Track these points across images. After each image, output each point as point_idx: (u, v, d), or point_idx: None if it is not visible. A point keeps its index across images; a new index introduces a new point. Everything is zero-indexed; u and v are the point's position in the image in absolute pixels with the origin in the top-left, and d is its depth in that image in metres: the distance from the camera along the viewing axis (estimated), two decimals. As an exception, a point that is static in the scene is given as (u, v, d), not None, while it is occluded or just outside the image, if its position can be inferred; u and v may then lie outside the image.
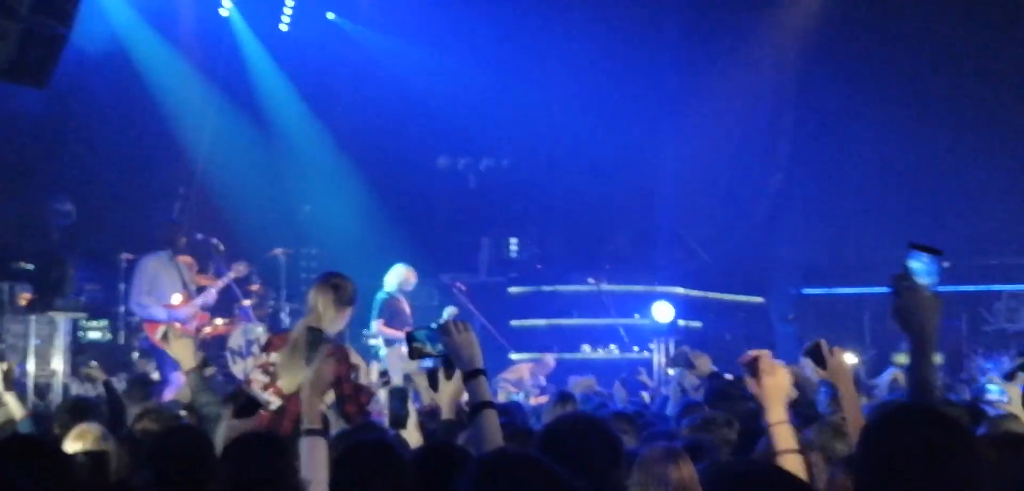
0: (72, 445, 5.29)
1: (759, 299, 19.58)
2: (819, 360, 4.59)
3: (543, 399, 12.41)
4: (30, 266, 13.91)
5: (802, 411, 7.05)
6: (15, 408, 7.11)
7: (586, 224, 19.50)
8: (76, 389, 12.05)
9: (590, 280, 17.44)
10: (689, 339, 15.72)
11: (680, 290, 18.07)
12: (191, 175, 16.77)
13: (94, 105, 15.88)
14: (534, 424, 7.19)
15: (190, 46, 17.60)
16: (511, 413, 7.54)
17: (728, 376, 9.23)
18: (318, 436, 4.74)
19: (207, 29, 18.03)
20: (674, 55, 19.16)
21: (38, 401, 11.92)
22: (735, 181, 20.11)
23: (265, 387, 6.83)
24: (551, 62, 18.77)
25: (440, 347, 4.35)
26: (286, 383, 6.75)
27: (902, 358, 11.55)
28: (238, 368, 13.20)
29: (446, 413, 6.03)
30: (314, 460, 4.50)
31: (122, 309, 14.24)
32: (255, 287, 14.97)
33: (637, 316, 17.28)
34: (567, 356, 16.25)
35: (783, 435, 4.00)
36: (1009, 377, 6.51)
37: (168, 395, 10.52)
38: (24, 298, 13.31)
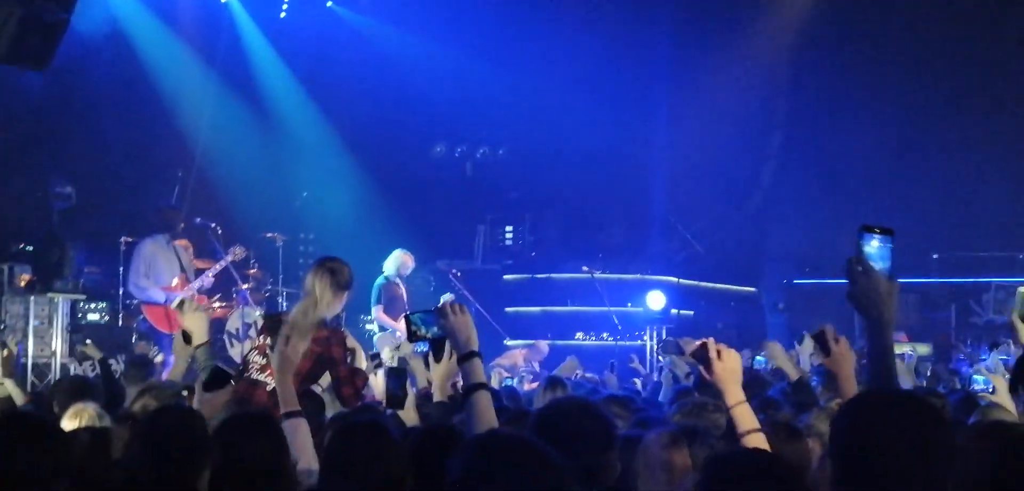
0: (69, 423, 5.29)
1: (750, 289, 19.64)
2: (824, 346, 4.62)
3: (536, 385, 12.43)
4: (30, 248, 13.92)
5: (800, 399, 7.09)
6: (15, 394, 7.13)
7: (580, 213, 19.53)
8: (74, 370, 12.05)
9: (584, 268, 17.43)
10: (681, 327, 15.78)
11: (672, 279, 18.11)
12: (190, 160, 16.77)
13: (94, 89, 15.88)
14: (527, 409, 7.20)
15: (189, 31, 17.61)
16: (506, 397, 7.57)
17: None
18: (297, 418, 4.76)
19: (206, 14, 18.04)
20: (668, 46, 19.15)
21: (37, 382, 11.93)
22: (728, 172, 20.15)
23: (262, 369, 6.86)
24: (547, 52, 18.76)
25: (435, 330, 4.36)
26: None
27: (899, 347, 11.60)
28: (235, 351, 13.20)
29: (437, 395, 6.05)
30: (297, 442, 4.52)
31: (121, 292, 14.25)
32: (253, 271, 14.97)
33: (630, 305, 17.30)
34: (561, 343, 16.24)
35: (744, 416, 4.09)
36: (1013, 389, 6.46)
37: (166, 375, 10.52)
38: (23, 279, 13.31)
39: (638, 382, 11.62)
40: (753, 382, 8.70)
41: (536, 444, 2.75)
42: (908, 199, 17.79)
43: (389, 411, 6.03)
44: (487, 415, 3.90)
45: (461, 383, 4.51)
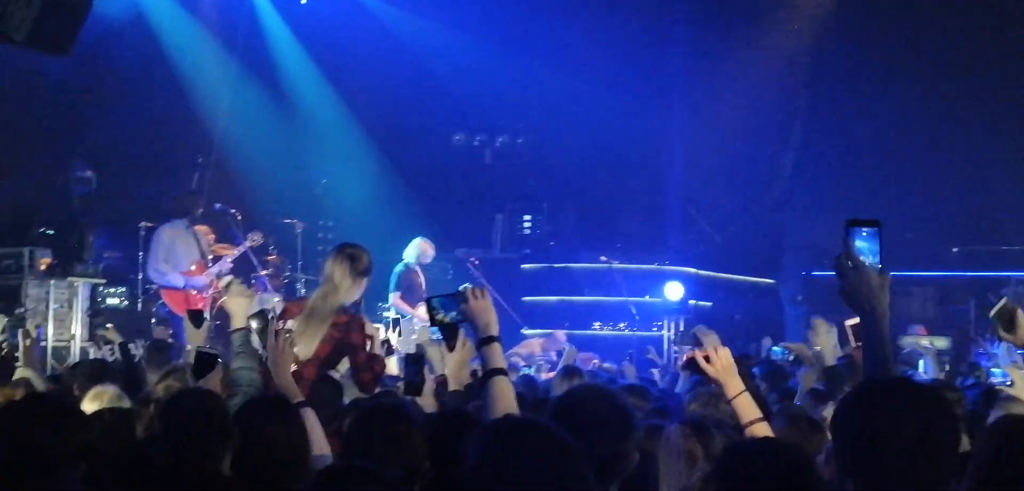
0: (89, 405, 5.32)
1: (769, 280, 19.60)
2: (858, 335, 4.68)
3: (553, 374, 12.45)
4: (50, 232, 13.97)
5: (832, 386, 7.08)
6: (36, 382, 7.16)
7: (599, 202, 19.51)
8: (94, 354, 12.09)
9: (602, 258, 17.43)
10: (699, 318, 15.73)
11: (691, 270, 18.09)
12: (209, 146, 16.80)
13: (115, 74, 15.91)
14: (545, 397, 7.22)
15: (210, 17, 17.64)
16: (523, 386, 7.58)
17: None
18: (303, 408, 4.78)
19: (227, 0, 18.06)
20: (688, 35, 19.15)
21: (56, 365, 11.98)
22: (747, 162, 20.09)
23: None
24: (567, 41, 18.77)
25: (454, 315, 4.37)
26: (301, 349, 6.80)
27: (917, 340, 11.55)
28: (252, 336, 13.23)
29: (453, 384, 6.06)
30: (309, 428, 4.55)
31: (140, 277, 14.30)
32: (272, 257, 15.02)
33: (648, 295, 17.29)
34: (578, 332, 16.25)
35: (745, 407, 4.21)
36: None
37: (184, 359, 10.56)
38: (44, 263, 13.37)
39: (656, 372, 11.61)
40: (774, 373, 8.71)
41: (553, 430, 2.75)
42: (928, 192, 17.75)
43: (408, 397, 6.06)
44: (505, 400, 3.91)
45: (479, 370, 4.54)
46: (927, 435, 2.55)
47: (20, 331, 8.39)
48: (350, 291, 7.16)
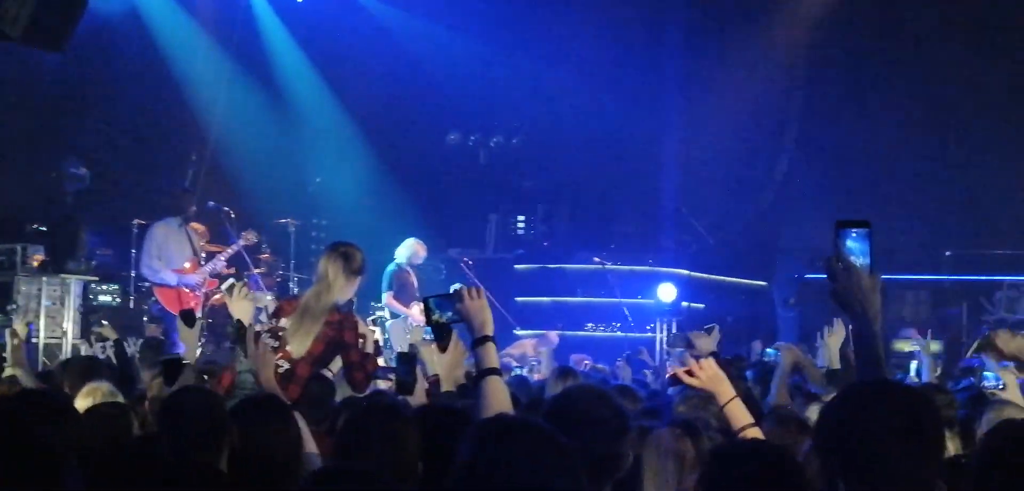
0: (82, 402, 5.33)
1: (761, 283, 19.63)
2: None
3: (545, 374, 12.45)
4: (43, 228, 13.97)
5: (809, 392, 7.10)
6: (25, 380, 7.15)
7: (592, 204, 19.54)
8: (85, 351, 12.09)
9: (595, 259, 17.45)
10: (692, 320, 15.77)
11: (684, 271, 18.10)
12: (204, 144, 16.80)
13: (110, 71, 15.93)
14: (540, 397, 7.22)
15: (205, 14, 17.63)
16: (516, 387, 7.58)
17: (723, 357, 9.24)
18: (294, 410, 4.81)
19: (226, -1, 18.10)
20: (682, 38, 19.18)
21: (48, 362, 11.97)
22: (740, 165, 20.12)
23: (274, 352, 6.89)
24: (562, 42, 18.77)
25: (450, 314, 4.38)
26: (295, 348, 6.83)
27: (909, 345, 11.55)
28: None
29: (445, 385, 6.06)
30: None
31: (133, 274, 14.30)
32: (265, 256, 15.03)
33: (640, 297, 17.31)
34: (571, 333, 16.28)
35: (736, 413, 4.23)
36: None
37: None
38: (37, 260, 13.37)
39: (648, 373, 11.62)
40: (766, 375, 8.70)
41: (546, 429, 2.76)
42: (922, 196, 17.79)
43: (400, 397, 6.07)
44: (499, 399, 3.92)
45: (472, 370, 4.55)
46: (912, 437, 2.57)
47: (8, 331, 8.38)
48: (343, 290, 7.19)
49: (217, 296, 13.45)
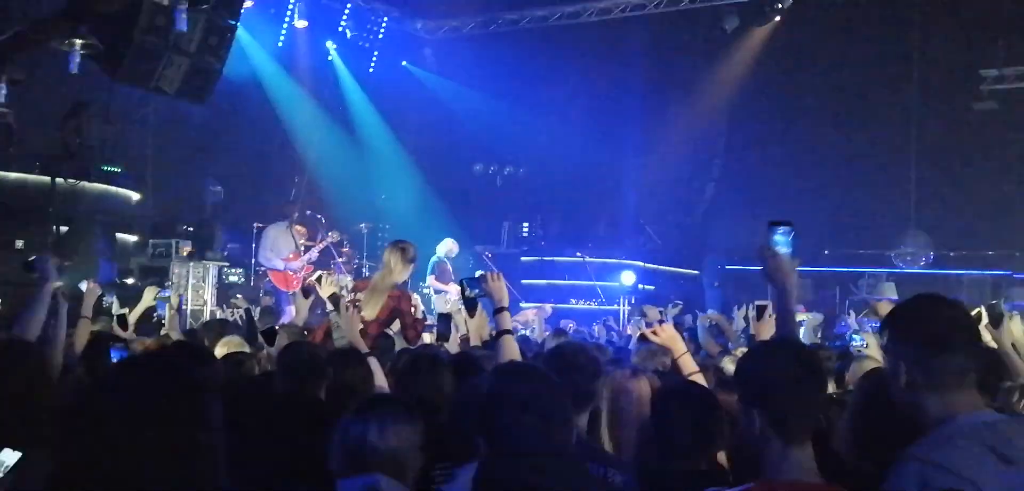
0: (219, 351, 5.37)
1: (695, 272, 19.64)
2: (760, 314, 4.66)
3: (545, 334, 12.48)
4: (190, 228, 14.05)
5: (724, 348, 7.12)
6: (177, 337, 7.19)
7: (575, 214, 19.51)
8: (220, 315, 12.18)
9: (577, 254, 17.46)
10: (645, 297, 15.80)
11: (639, 263, 18.11)
12: (303, 169, 16.85)
13: (237, 118, 15.99)
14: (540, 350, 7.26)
15: (304, 78, 17.74)
16: (520, 344, 7.61)
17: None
18: (370, 357, 4.85)
19: (317, 66, 18.18)
20: (639, 98, 19.19)
21: (193, 323, 12.06)
22: (680, 188, 20.18)
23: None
24: (553, 101, 18.81)
25: (478, 291, 4.42)
26: (367, 313, 6.89)
27: (800, 317, 11.57)
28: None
29: (473, 340, 6.12)
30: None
31: (253, 261, 14.37)
32: (346, 250, 15.05)
33: (609, 280, 17.32)
34: (560, 306, 16.26)
35: (686, 363, 4.22)
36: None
37: (286, 320, 10.63)
38: (185, 250, 13.44)
39: (615, 335, 11.65)
40: (693, 338, 8.71)
41: (542, 370, 2.81)
42: (809, 208, 17.74)
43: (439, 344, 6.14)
44: (511, 351, 3.97)
45: (493, 331, 4.59)
46: (806, 379, 2.55)
47: (167, 304, 8.42)
48: (401, 273, 7.24)
49: (312, 278, 13.48)
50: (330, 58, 18.43)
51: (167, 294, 9.00)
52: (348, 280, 13.40)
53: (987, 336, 5.31)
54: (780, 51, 17.98)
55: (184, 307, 12.27)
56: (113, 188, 13.42)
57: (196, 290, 13.09)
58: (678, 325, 9.83)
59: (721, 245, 20.04)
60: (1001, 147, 18.27)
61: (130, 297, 8.39)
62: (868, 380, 3.39)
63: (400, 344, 6.91)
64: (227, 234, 14.59)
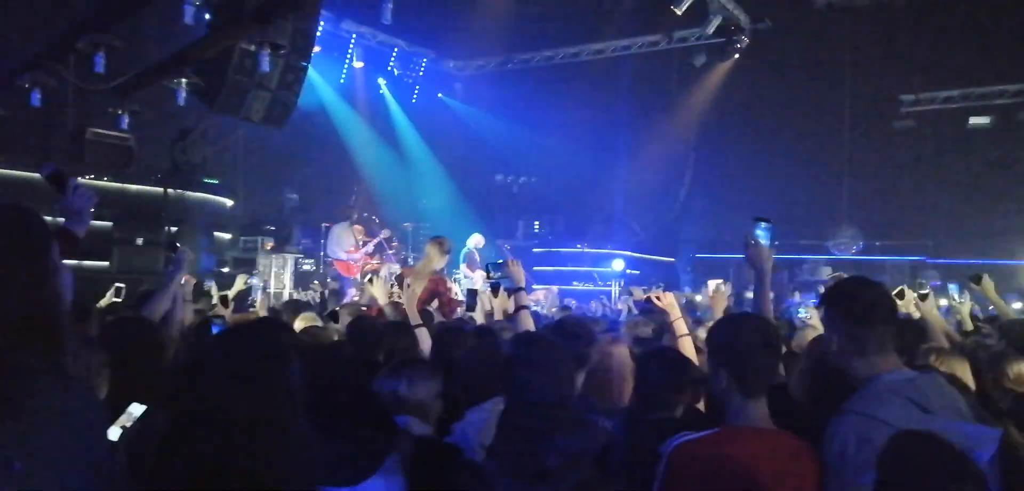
0: (298, 325, 5.39)
1: (671, 259, 19.58)
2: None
3: (551, 311, 12.48)
4: (272, 228, 14.13)
5: (696, 318, 7.07)
6: (263, 313, 7.22)
7: (575, 213, 19.52)
8: (296, 296, 12.27)
9: (578, 245, 17.46)
10: (631, 280, 15.76)
11: (627, 252, 18.08)
12: (360, 180, 16.91)
13: (308, 139, 16.05)
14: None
15: (362, 108, 17.82)
16: (535, 317, 7.60)
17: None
18: (421, 328, 4.87)
19: (371, 99, 18.23)
20: (627, 116, 19.16)
21: (275, 302, 12.15)
22: (659, 190, 20.09)
23: (399, 296, 6.95)
24: (559, 124, 18.78)
25: (501, 274, 4.41)
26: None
27: (751, 293, 11.48)
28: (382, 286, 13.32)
29: (497, 315, 6.11)
30: (421, 339, 4.64)
31: (322, 253, 14.44)
32: (395, 244, 15.11)
33: (603, 267, 17.30)
34: (565, 287, 16.27)
35: (680, 326, 4.08)
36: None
37: (345, 301, 10.67)
38: (268, 245, 13.53)
39: (609, 310, 11.62)
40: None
41: (550, 338, 2.81)
42: (762, 207, 17.65)
43: (468, 315, 6.15)
44: (526, 324, 3.97)
45: (511, 308, 4.58)
46: (766, 345, 2.48)
47: (259, 290, 8.47)
48: (438, 262, 7.24)
49: (368, 266, 13.56)
50: (381, 92, 18.47)
51: (254, 280, 9.07)
52: (396, 268, 13.50)
53: (913, 308, 5.33)
54: (739, 82, 17.89)
55: (268, 290, 12.36)
56: (212, 196, 13.53)
57: (277, 277, 13.18)
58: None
59: (692, 238, 20.01)
60: (917, 158, 18.18)
61: (226, 282, 8.45)
62: (816, 345, 3.38)
63: (438, 318, 6.94)
64: (301, 232, 14.69)
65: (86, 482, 1.57)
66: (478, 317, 6.19)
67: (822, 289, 6.56)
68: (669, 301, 4.19)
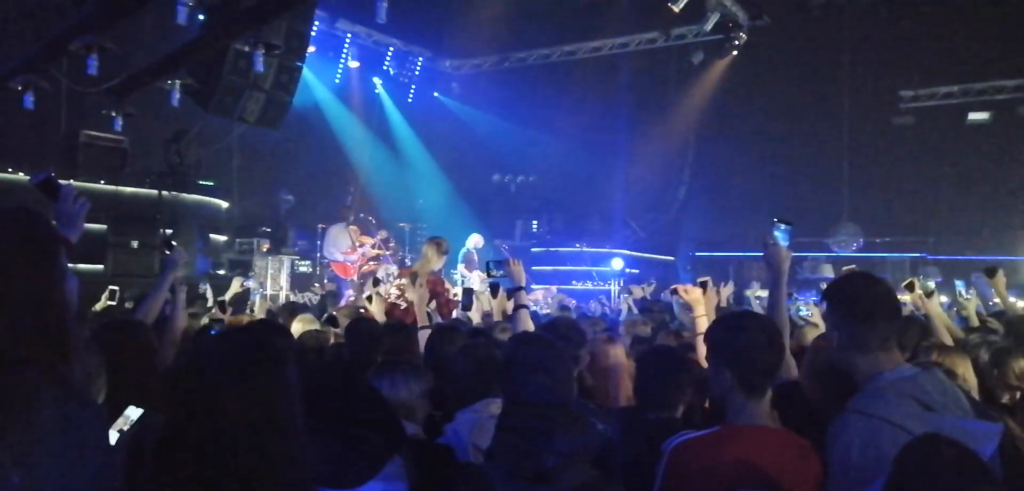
0: (295, 327, 5.38)
1: (670, 258, 19.59)
2: (704, 287, 4.52)
3: (548, 310, 12.46)
4: (268, 229, 14.09)
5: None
6: (260, 314, 7.21)
7: (574, 213, 19.52)
8: (292, 299, 12.24)
9: (576, 244, 17.45)
10: (631, 279, 15.76)
11: (626, 251, 18.08)
12: (357, 180, 16.89)
13: (304, 140, 16.05)
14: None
15: (358, 108, 17.77)
16: (533, 317, 7.60)
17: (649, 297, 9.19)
18: (427, 329, 4.86)
19: (367, 98, 18.19)
20: (626, 117, 19.16)
21: (272, 305, 12.11)
22: (658, 192, 20.09)
23: (397, 297, 6.95)
24: (556, 123, 18.79)
25: (501, 273, 4.41)
26: (410, 294, 6.88)
27: (755, 292, 11.54)
28: (381, 288, 13.29)
29: (495, 316, 6.11)
30: (422, 340, 4.63)
31: (318, 255, 14.40)
32: (392, 245, 15.08)
33: (602, 265, 17.30)
34: (563, 287, 16.26)
35: (701, 324, 4.03)
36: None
37: (343, 303, 10.65)
38: (264, 247, 13.50)
39: (608, 310, 11.62)
40: (670, 309, 8.65)
41: (547, 338, 2.81)
42: (761, 205, 17.69)
43: (464, 315, 6.14)
44: (525, 323, 3.98)
45: (509, 309, 4.58)
46: (770, 343, 2.48)
47: (257, 292, 8.45)
48: (436, 262, 7.24)
49: (365, 267, 13.52)
50: (377, 91, 18.44)
51: (250, 282, 9.04)
52: (394, 269, 13.47)
53: (920, 301, 5.35)
54: (737, 79, 17.90)
55: (264, 292, 12.33)
56: (207, 198, 13.50)
57: (273, 279, 13.14)
58: (656, 301, 9.85)
59: (691, 236, 20.01)
60: (916, 153, 18.18)
61: (221, 284, 8.43)
62: (821, 338, 3.38)
63: (436, 318, 6.93)
64: (297, 233, 14.65)
65: (86, 491, 1.56)
66: (475, 317, 6.19)
67: (824, 286, 6.57)
68: (695, 296, 4.13)
